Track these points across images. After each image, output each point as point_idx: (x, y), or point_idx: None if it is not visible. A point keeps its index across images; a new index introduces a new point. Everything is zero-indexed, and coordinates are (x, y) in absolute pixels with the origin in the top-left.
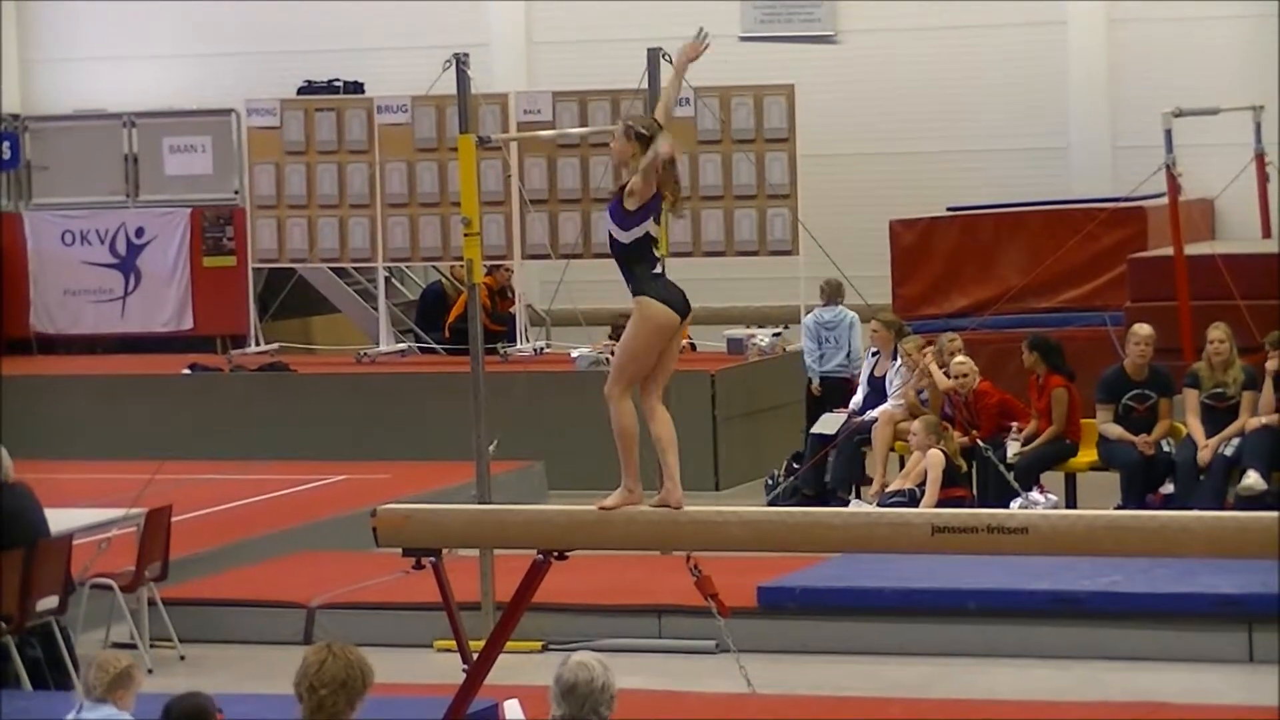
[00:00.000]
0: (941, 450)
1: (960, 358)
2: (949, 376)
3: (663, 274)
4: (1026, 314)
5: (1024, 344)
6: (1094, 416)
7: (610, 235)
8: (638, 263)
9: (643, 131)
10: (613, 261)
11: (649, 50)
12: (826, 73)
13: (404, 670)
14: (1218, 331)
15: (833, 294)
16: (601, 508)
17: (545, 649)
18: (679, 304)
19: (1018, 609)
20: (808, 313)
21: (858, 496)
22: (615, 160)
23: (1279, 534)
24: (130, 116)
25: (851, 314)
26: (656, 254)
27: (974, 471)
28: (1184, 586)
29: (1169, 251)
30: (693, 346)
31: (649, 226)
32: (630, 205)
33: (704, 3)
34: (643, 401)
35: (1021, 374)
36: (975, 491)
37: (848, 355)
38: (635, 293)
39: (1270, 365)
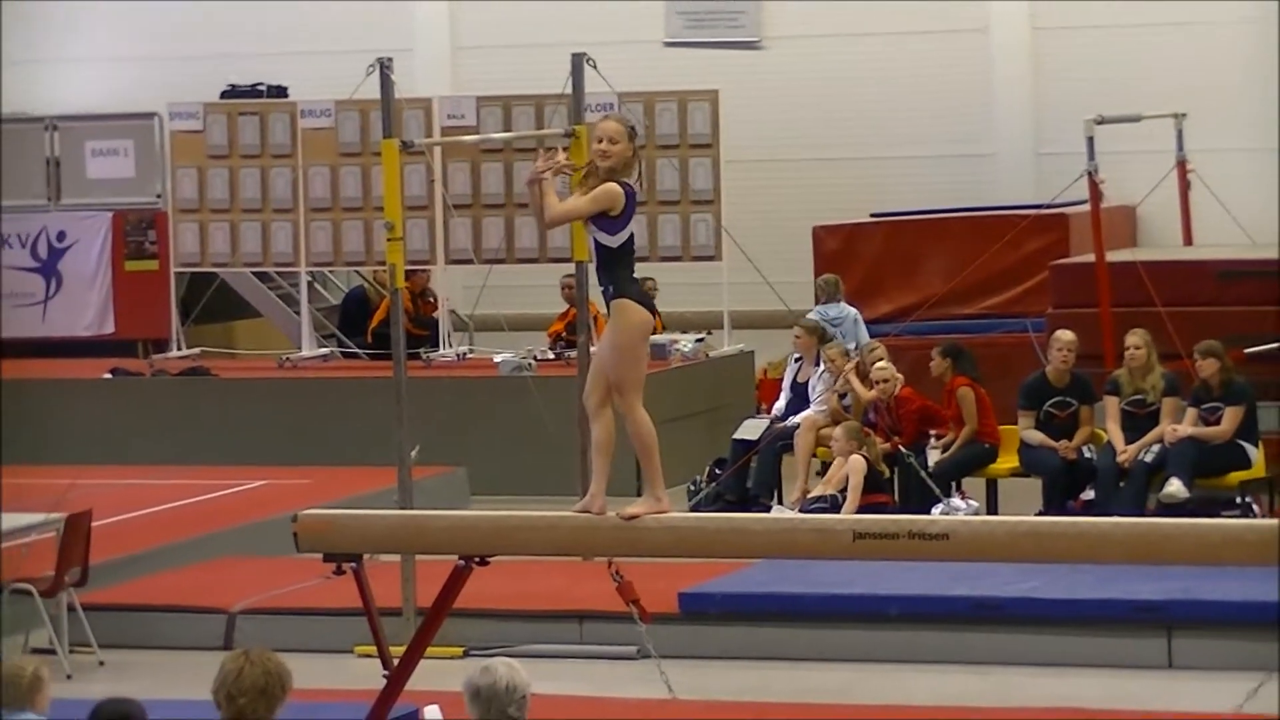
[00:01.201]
0: (864, 456)
1: (881, 364)
2: (870, 383)
3: (639, 280)
4: (950, 320)
5: (935, 350)
6: (1013, 422)
7: (596, 243)
8: (621, 265)
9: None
10: (535, 266)
11: (573, 55)
12: (751, 79)
13: (325, 676)
14: (1135, 338)
15: (832, 291)
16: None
17: (466, 654)
18: (650, 306)
19: (938, 615)
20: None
21: (780, 502)
22: (612, 163)
23: None
24: (52, 120)
25: (853, 309)
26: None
27: (896, 477)
28: (1104, 592)
29: (1091, 258)
30: None
31: (633, 228)
32: (613, 212)
33: (628, 7)
34: (597, 405)
35: (941, 380)
36: (897, 497)
37: (856, 348)
38: (615, 295)
39: (1204, 373)
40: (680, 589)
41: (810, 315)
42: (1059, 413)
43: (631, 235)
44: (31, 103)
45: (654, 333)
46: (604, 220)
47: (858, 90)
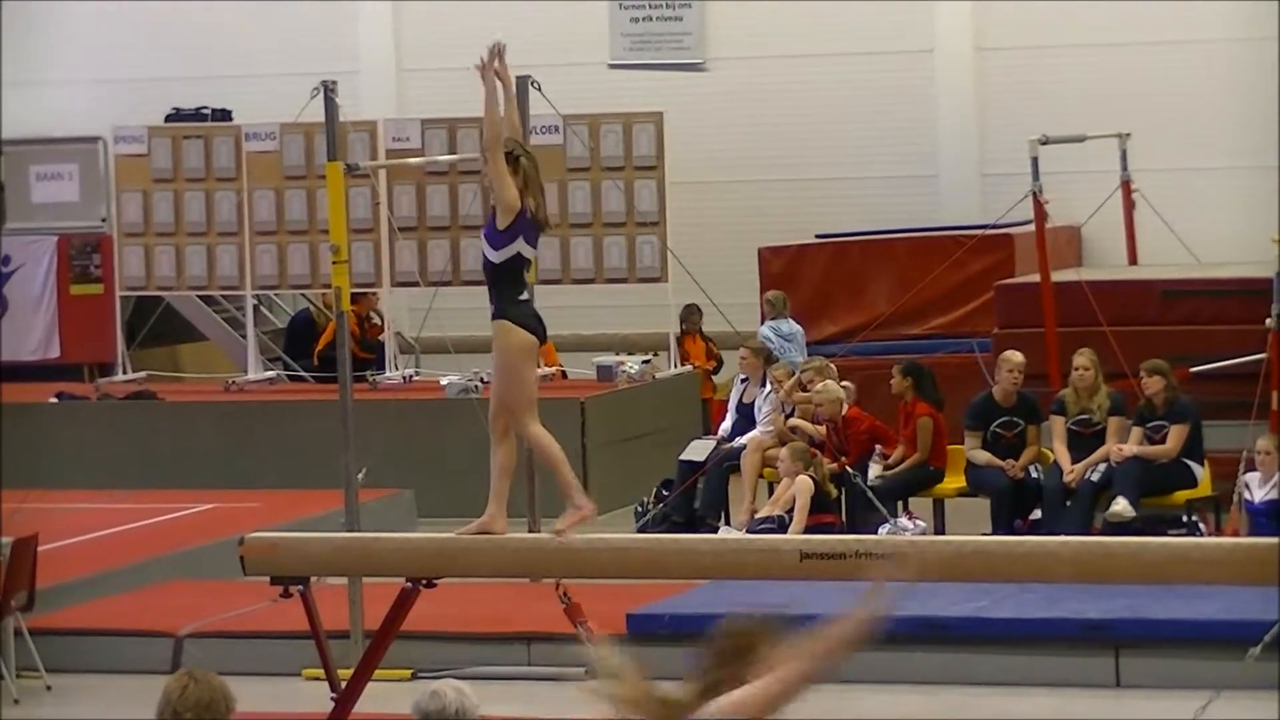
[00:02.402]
0: (810, 477)
1: (822, 384)
2: (811, 402)
3: (529, 300)
4: (896, 340)
5: (896, 369)
6: (961, 443)
7: (483, 257)
8: (505, 284)
9: (510, 151)
10: (481, 289)
11: (518, 78)
12: (695, 100)
13: (272, 699)
14: (1082, 358)
15: (780, 308)
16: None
17: (414, 677)
18: (535, 329)
19: (886, 634)
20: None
21: (727, 523)
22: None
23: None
24: None
25: (798, 326)
26: (526, 278)
27: (843, 498)
28: (1051, 612)
29: (1036, 278)
30: (564, 374)
31: (520, 247)
32: (501, 223)
33: (573, 30)
34: (501, 429)
35: (891, 400)
36: (844, 518)
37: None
38: (496, 315)
39: (1149, 391)
40: (628, 610)
41: (764, 330)
42: (1006, 433)
43: (518, 256)
44: None
45: (542, 359)
46: (491, 230)
47: (802, 111)
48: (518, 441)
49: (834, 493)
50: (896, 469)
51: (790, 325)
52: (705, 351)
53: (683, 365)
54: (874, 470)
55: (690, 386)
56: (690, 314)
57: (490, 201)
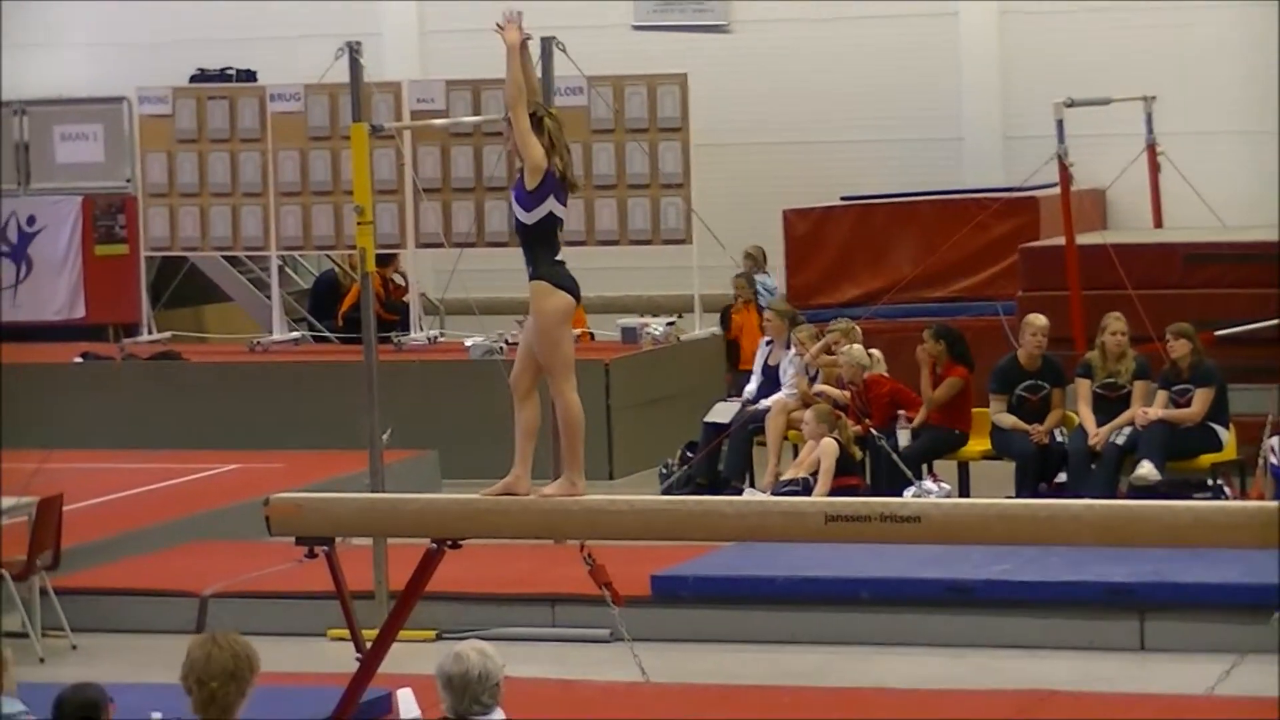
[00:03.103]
0: (835, 439)
1: (847, 346)
2: (838, 365)
3: (563, 260)
4: (919, 304)
5: (927, 333)
6: (985, 406)
7: (515, 218)
8: (540, 245)
9: (533, 112)
10: (506, 250)
11: (543, 39)
12: (720, 62)
13: (297, 660)
14: (1119, 323)
15: (760, 261)
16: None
17: (439, 638)
18: (572, 290)
19: (910, 597)
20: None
21: (751, 485)
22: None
23: None
24: (21, 104)
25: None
26: (559, 238)
27: (867, 460)
28: (1076, 575)
29: (1060, 241)
30: (591, 336)
31: (551, 206)
32: (530, 183)
33: None
34: (525, 389)
35: (914, 363)
36: (869, 480)
37: None
38: (532, 276)
39: (1175, 355)
40: (652, 572)
41: (765, 282)
42: (1030, 396)
43: (550, 216)
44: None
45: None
46: (520, 192)
47: (827, 74)
48: (540, 402)
49: (859, 455)
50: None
51: (770, 280)
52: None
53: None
54: (903, 438)
55: (714, 349)
56: (743, 283)
57: (516, 164)
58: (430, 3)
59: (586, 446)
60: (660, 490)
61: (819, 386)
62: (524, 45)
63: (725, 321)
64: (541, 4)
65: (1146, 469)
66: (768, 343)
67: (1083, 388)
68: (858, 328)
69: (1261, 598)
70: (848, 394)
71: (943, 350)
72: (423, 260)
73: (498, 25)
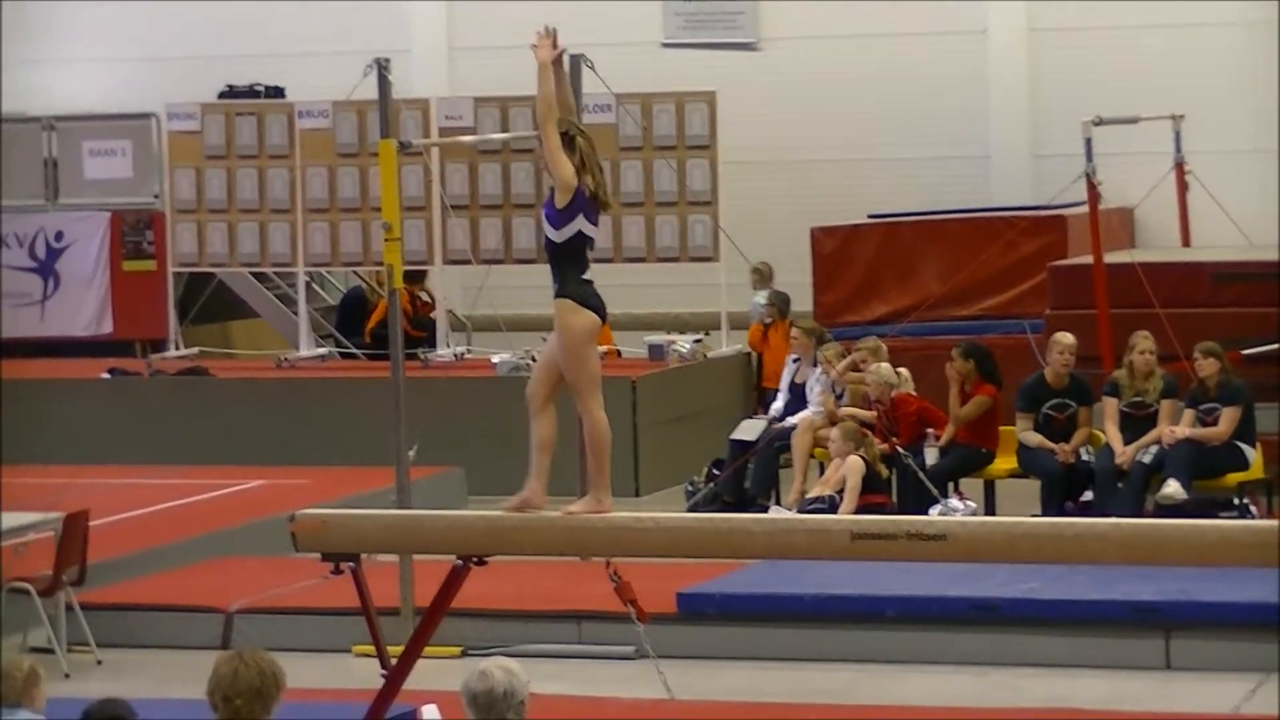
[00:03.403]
0: (861, 457)
1: (875, 365)
2: (865, 383)
3: (591, 280)
4: (947, 321)
5: (956, 351)
6: (1012, 424)
7: (545, 235)
8: (568, 263)
9: (565, 131)
10: (533, 267)
11: (571, 56)
12: (748, 80)
13: (322, 676)
14: (1147, 342)
15: (768, 278)
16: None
17: (464, 654)
18: (597, 308)
19: (936, 615)
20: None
21: (778, 503)
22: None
23: None
24: (50, 120)
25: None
26: (588, 257)
27: (894, 478)
28: (1102, 594)
29: (1089, 260)
30: (618, 353)
31: (581, 225)
32: (560, 201)
33: (626, 8)
34: (541, 402)
35: (941, 381)
36: (895, 498)
37: None
38: (558, 294)
39: (1203, 373)
40: (678, 589)
41: (757, 300)
42: (1057, 415)
43: (579, 235)
44: (29, 103)
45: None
46: (551, 209)
47: (855, 91)
48: (556, 416)
49: (885, 473)
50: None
51: (764, 296)
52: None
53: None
54: (930, 456)
55: (741, 366)
56: (769, 302)
57: (547, 182)
58: (460, 20)
59: (613, 464)
60: (686, 507)
61: (847, 410)
62: (558, 62)
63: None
64: (570, 21)
65: (1173, 488)
66: (794, 360)
67: (1110, 406)
68: (884, 346)
69: None
70: (874, 413)
71: (971, 368)
72: (450, 277)
73: (533, 43)
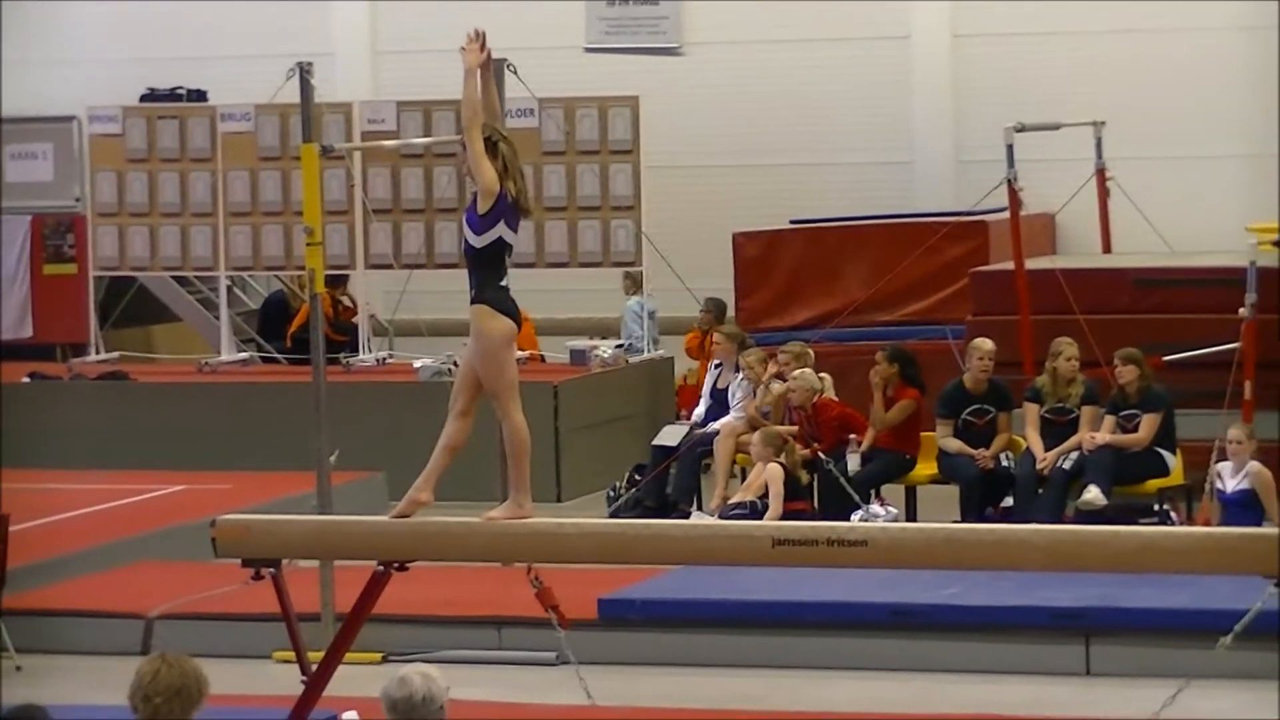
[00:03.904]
0: (781, 464)
1: (799, 370)
2: (790, 389)
3: (506, 287)
4: (870, 327)
5: (881, 354)
6: (934, 430)
7: (465, 241)
8: (486, 268)
9: (488, 136)
10: (455, 272)
11: (494, 60)
12: (672, 85)
13: (243, 681)
14: (1072, 348)
15: (639, 284)
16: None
17: (385, 660)
18: (512, 314)
19: (857, 621)
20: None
21: (699, 509)
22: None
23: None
24: None
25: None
26: (507, 264)
27: (815, 484)
28: (1022, 599)
29: (1010, 266)
30: (541, 358)
31: (501, 231)
32: (482, 207)
33: (549, 13)
34: (459, 409)
35: (863, 387)
36: (816, 504)
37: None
38: (474, 300)
39: (1123, 380)
40: (599, 595)
41: (631, 305)
42: (977, 420)
43: (499, 241)
44: None
45: (523, 342)
46: (473, 215)
47: (778, 97)
48: (471, 424)
49: (805, 479)
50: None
51: (651, 302)
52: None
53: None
54: (852, 462)
55: (664, 371)
56: (707, 309)
57: (470, 186)
58: (383, 23)
59: (535, 469)
60: (608, 513)
61: (757, 406)
62: (486, 67)
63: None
64: (493, 25)
65: (1093, 494)
66: (716, 366)
67: (1031, 412)
68: (810, 351)
69: (1207, 623)
70: (794, 425)
71: (895, 372)
72: (372, 281)
73: (461, 46)
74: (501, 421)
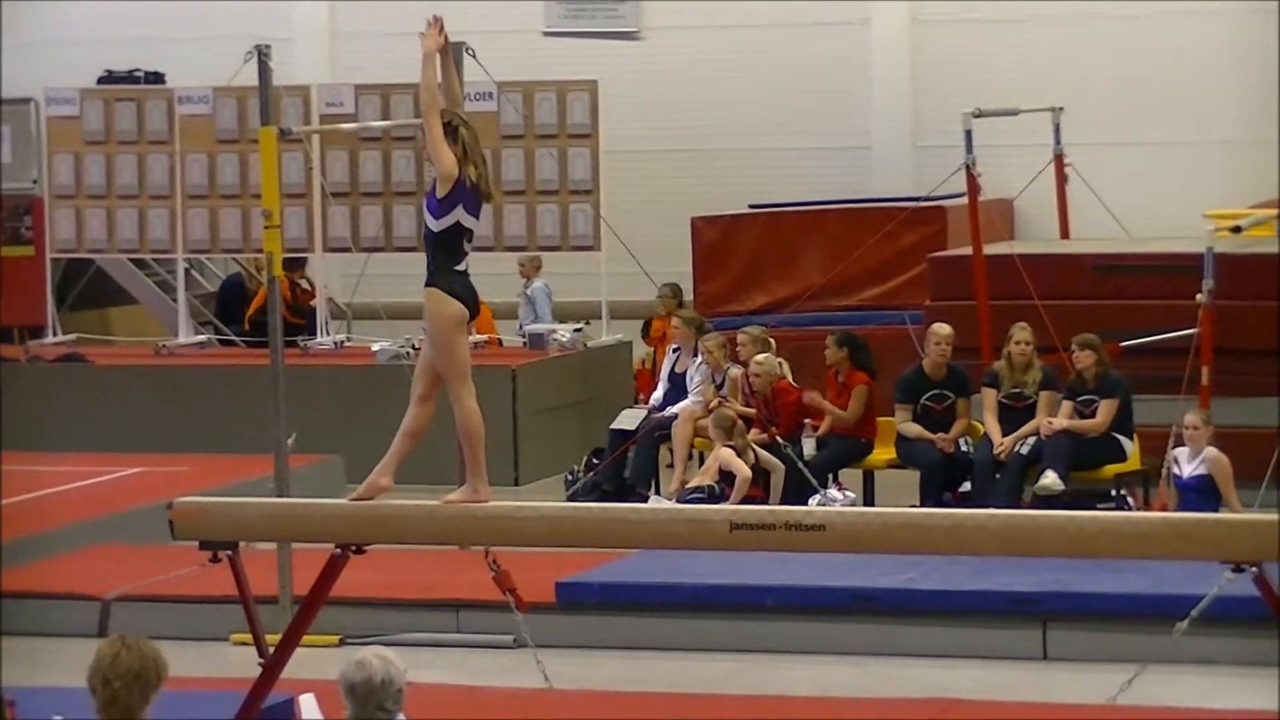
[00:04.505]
0: (731, 446)
1: (759, 355)
2: (749, 374)
3: (465, 271)
4: (828, 312)
5: (831, 339)
6: (892, 415)
7: (425, 224)
8: (443, 252)
9: (448, 121)
10: (413, 255)
11: (453, 44)
12: (630, 69)
13: (200, 664)
14: (1025, 333)
15: (535, 267)
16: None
17: (343, 643)
18: (467, 300)
19: (815, 606)
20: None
21: (657, 493)
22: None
23: None
24: None
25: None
26: (466, 248)
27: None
28: (980, 584)
29: (968, 251)
30: (499, 342)
31: (459, 216)
32: (441, 191)
33: None
34: (420, 394)
35: (821, 372)
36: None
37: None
38: (426, 283)
39: (1080, 365)
40: (557, 578)
41: (537, 286)
42: (936, 405)
43: (457, 225)
44: None
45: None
46: (432, 199)
47: (737, 81)
48: (435, 410)
49: (751, 460)
50: (820, 431)
51: (537, 285)
52: None
53: (650, 345)
54: (808, 446)
55: (621, 356)
56: (670, 294)
57: (429, 170)
58: (341, 6)
59: (493, 453)
60: (566, 497)
61: (737, 408)
62: (445, 51)
63: (646, 331)
64: (452, 8)
65: (1050, 479)
66: (674, 350)
67: (988, 397)
68: (769, 336)
69: (1164, 608)
70: (752, 409)
71: (845, 356)
72: (330, 264)
73: (421, 32)
74: (453, 405)
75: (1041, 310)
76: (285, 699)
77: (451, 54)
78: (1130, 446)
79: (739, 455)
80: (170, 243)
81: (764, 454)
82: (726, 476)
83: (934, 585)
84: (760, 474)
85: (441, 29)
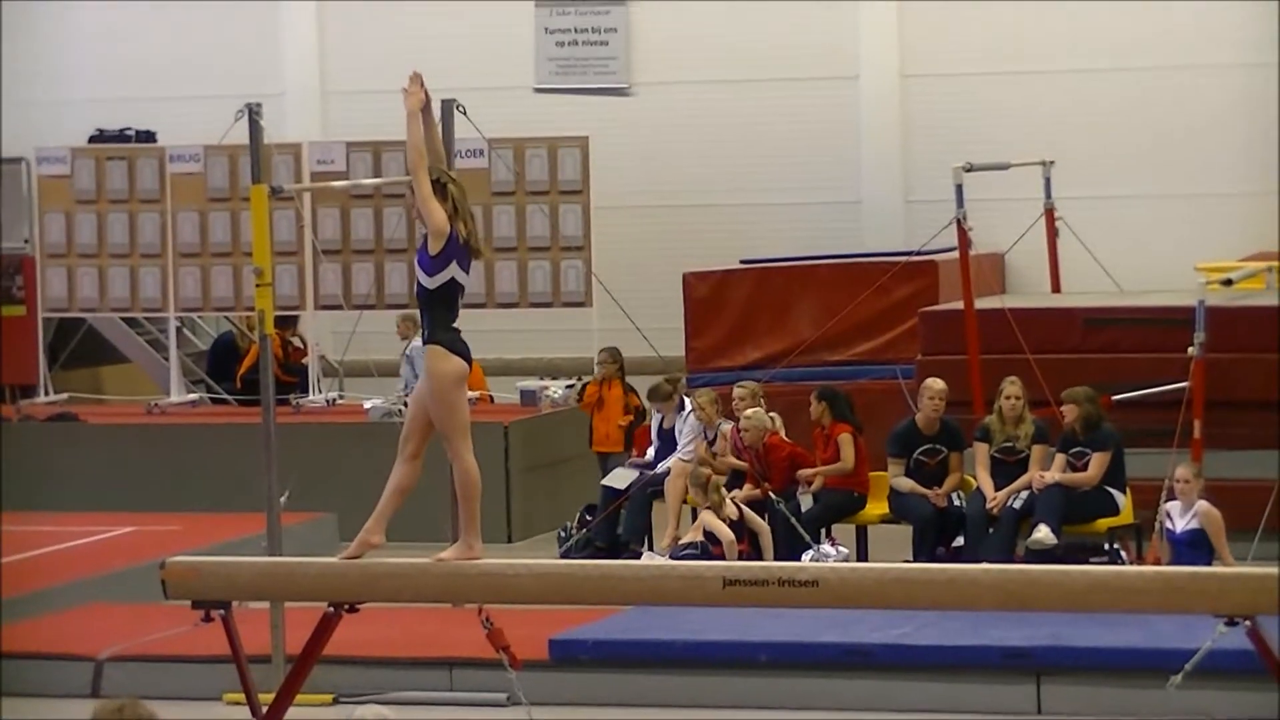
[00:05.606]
0: (708, 508)
1: (751, 410)
2: (740, 429)
3: (458, 329)
4: (819, 366)
5: (813, 395)
6: (884, 469)
7: (417, 283)
8: (439, 309)
9: (436, 178)
10: (405, 312)
11: (443, 101)
12: (621, 125)
13: None
14: (1014, 387)
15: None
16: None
17: (336, 701)
18: (464, 355)
19: (808, 661)
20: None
21: (650, 549)
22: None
23: None
24: None
25: None
26: (459, 304)
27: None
28: (973, 639)
29: (960, 305)
30: (490, 399)
31: (454, 272)
32: (433, 248)
33: (498, 53)
34: (410, 452)
35: (814, 427)
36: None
37: None
38: (426, 340)
39: (1071, 419)
40: (550, 635)
41: (409, 352)
42: (928, 460)
43: (452, 282)
44: None
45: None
46: (424, 256)
47: (728, 137)
48: (422, 466)
49: (734, 515)
50: (814, 485)
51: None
52: (623, 404)
53: (584, 410)
54: (805, 502)
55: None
56: (610, 358)
57: (420, 227)
58: (332, 63)
59: (485, 509)
60: (559, 554)
61: (725, 460)
62: (427, 109)
63: (581, 396)
64: (442, 65)
65: (1043, 533)
66: (657, 408)
67: (980, 451)
68: (761, 391)
69: (1158, 662)
70: (745, 463)
71: (825, 410)
72: (322, 322)
73: (404, 88)
74: (452, 462)
75: (1033, 364)
76: None
77: (434, 112)
78: (1123, 500)
79: (716, 512)
80: (162, 301)
81: (750, 514)
82: (712, 536)
83: (928, 640)
84: (746, 530)
85: (422, 85)
